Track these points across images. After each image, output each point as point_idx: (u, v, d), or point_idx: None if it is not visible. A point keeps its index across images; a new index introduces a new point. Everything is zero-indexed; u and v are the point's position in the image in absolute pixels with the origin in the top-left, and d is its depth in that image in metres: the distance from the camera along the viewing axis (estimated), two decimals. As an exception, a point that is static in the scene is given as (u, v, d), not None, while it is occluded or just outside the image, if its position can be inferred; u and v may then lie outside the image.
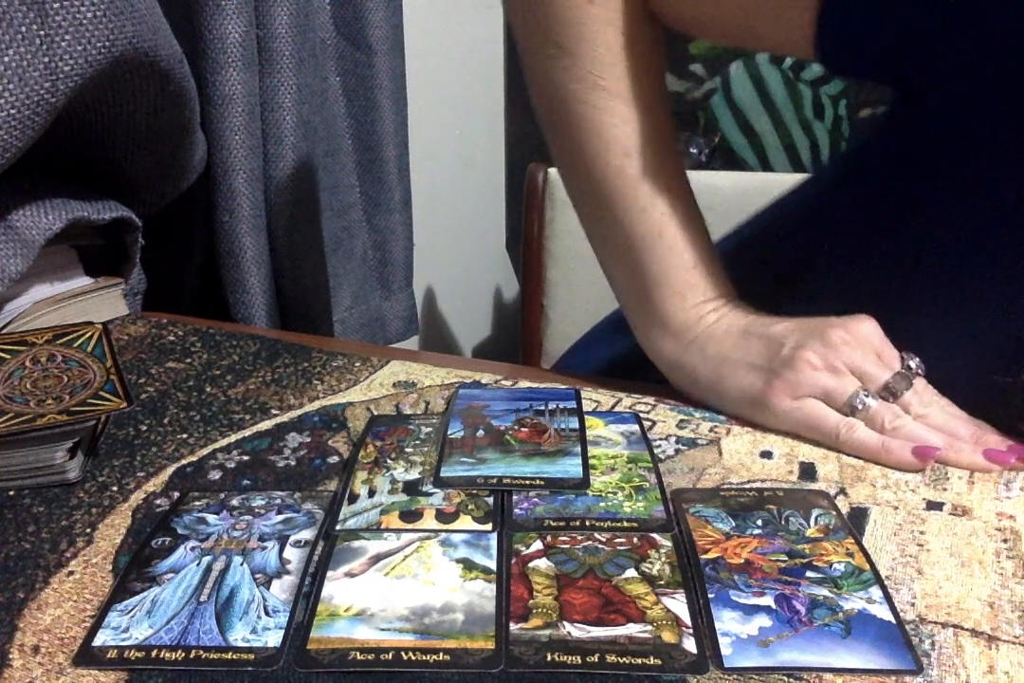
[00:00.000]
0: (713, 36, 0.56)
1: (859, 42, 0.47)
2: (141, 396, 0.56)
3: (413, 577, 0.38)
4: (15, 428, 0.47)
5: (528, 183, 1.11)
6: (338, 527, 0.41)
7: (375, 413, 0.53)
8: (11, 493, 0.46)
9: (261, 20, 0.83)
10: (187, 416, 0.53)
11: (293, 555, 0.40)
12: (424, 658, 0.33)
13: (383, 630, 0.35)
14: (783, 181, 1.06)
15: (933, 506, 0.43)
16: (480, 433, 0.49)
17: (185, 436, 0.51)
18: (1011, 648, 0.34)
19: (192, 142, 0.75)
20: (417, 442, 0.49)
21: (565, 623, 0.35)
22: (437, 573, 0.38)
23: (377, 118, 1.02)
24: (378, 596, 0.37)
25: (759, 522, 0.42)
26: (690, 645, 0.34)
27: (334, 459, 0.48)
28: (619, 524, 0.41)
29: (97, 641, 0.35)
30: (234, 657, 0.34)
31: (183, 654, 0.34)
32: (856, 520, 0.42)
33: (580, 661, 0.33)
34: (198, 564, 0.39)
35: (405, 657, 0.33)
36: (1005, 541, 0.41)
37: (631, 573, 0.38)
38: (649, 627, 0.35)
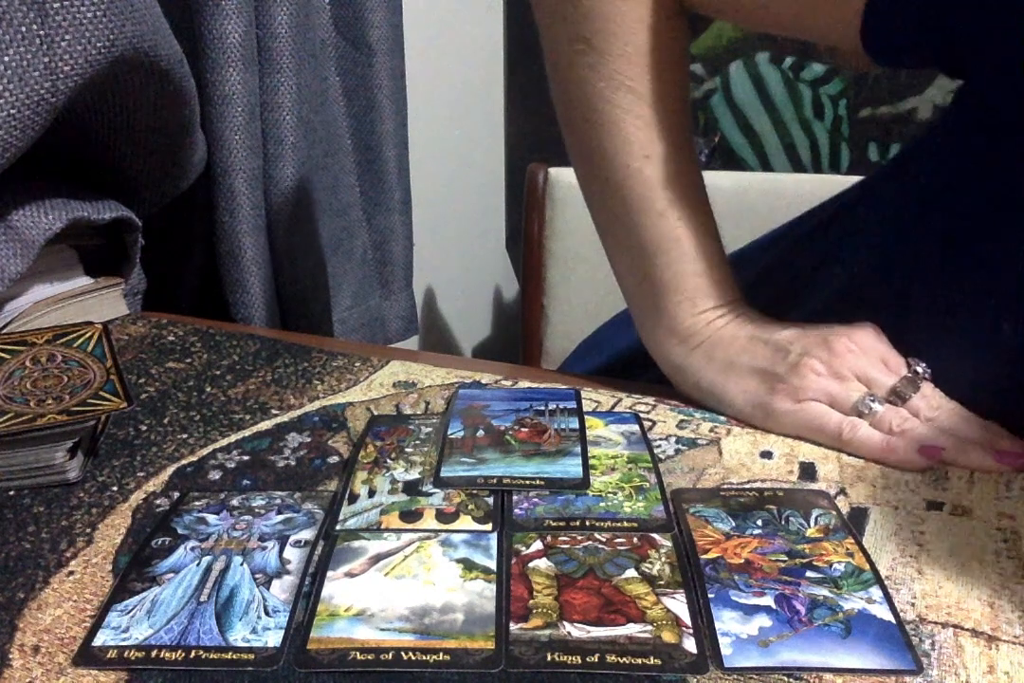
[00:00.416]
0: (753, 24, 0.55)
1: (909, 30, 0.46)
2: (141, 396, 0.56)
3: (413, 577, 0.38)
4: (15, 428, 0.47)
5: (528, 183, 1.11)
6: (338, 527, 0.41)
7: (375, 413, 0.53)
8: (11, 493, 0.46)
9: (261, 20, 0.83)
10: (187, 416, 0.53)
11: (293, 555, 0.40)
12: (424, 658, 0.33)
13: (383, 630, 0.35)
14: (783, 181, 1.06)
15: (933, 506, 0.43)
16: (480, 433, 0.49)
17: (185, 436, 0.51)
18: (1011, 648, 0.34)
19: (192, 142, 0.75)
20: (417, 442, 0.49)
21: (565, 623, 0.35)
22: (437, 573, 0.38)
23: (377, 118, 1.02)
24: (378, 596, 0.37)
25: (759, 522, 0.42)
26: (690, 645, 0.34)
27: (334, 459, 0.48)
28: (619, 524, 0.41)
29: (97, 641, 0.35)
30: (234, 657, 0.34)
31: (183, 654, 0.34)
32: (856, 520, 0.42)
33: (580, 661, 0.33)
34: (198, 564, 0.39)
35: (405, 657, 0.33)
36: (1005, 541, 0.41)
37: (631, 573, 0.38)
38: (649, 627, 0.35)
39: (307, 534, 0.41)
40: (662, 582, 0.37)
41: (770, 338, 0.51)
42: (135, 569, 0.39)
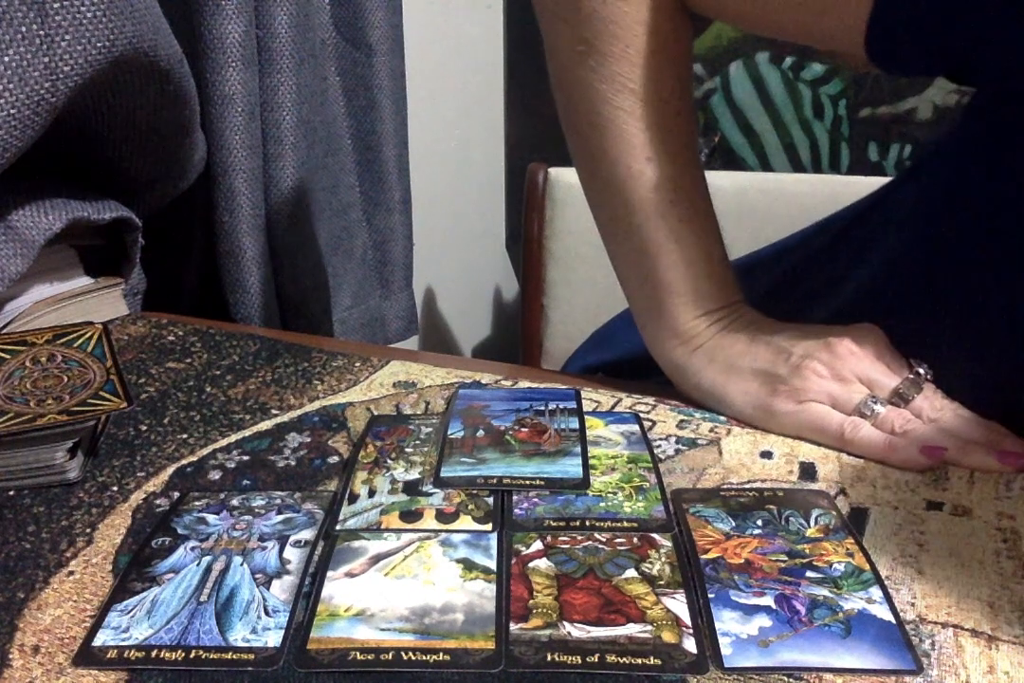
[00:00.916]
0: (756, 28, 0.54)
1: (914, 37, 0.45)
2: (141, 396, 0.56)
3: (413, 577, 0.38)
4: (15, 428, 0.47)
5: (528, 183, 1.11)
6: (338, 527, 0.41)
7: (375, 413, 0.53)
8: (11, 493, 0.46)
9: (261, 20, 0.83)
10: (187, 416, 0.53)
11: (293, 555, 0.40)
12: (424, 658, 0.33)
13: (383, 630, 0.35)
14: (783, 181, 1.06)
15: (933, 506, 0.43)
16: (480, 433, 0.49)
17: (185, 436, 0.51)
18: (1011, 648, 0.34)
19: (192, 142, 0.75)
20: (417, 442, 0.49)
21: (565, 623, 0.35)
22: (437, 573, 0.38)
23: (377, 118, 1.02)
24: (378, 596, 0.37)
25: (759, 522, 0.42)
26: (690, 645, 0.34)
27: (334, 459, 0.48)
28: (619, 524, 0.41)
29: (97, 641, 0.35)
30: (234, 657, 0.34)
31: (183, 654, 0.34)
32: (856, 520, 0.42)
33: (580, 661, 0.33)
34: (198, 564, 0.39)
35: (405, 657, 0.33)
36: (1005, 541, 0.41)
37: (631, 573, 0.38)
38: (649, 627, 0.35)
39: (307, 534, 0.41)
40: (662, 582, 0.37)
41: (772, 340, 0.51)
42: (135, 569, 0.39)
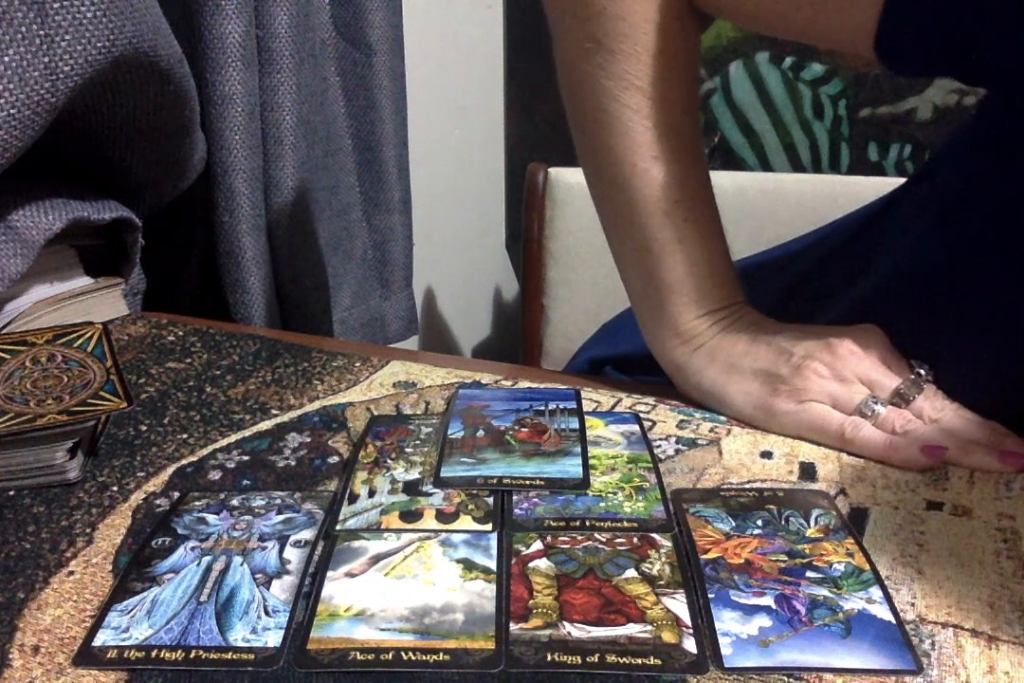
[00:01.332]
0: (763, 28, 0.54)
1: (924, 37, 0.45)
2: (141, 396, 0.56)
3: (413, 577, 0.38)
4: (15, 428, 0.47)
5: (528, 183, 1.11)
6: (338, 527, 0.41)
7: (375, 413, 0.53)
8: (11, 493, 0.46)
9: (261, 20, 0.83)
10: (187, 416, 0.53)
11: (293, 555, 0.40)
12: (424, 658, 0.33)
13: (383, 630, 0.35)
14: (783, 181, 1.06)
15: (933, 506, 0.43)
16: (480, 433, 0.49)
17: (185, 436, 0.51)
18: (1011, 648, 0.34)
19: (192, 142, 0.75)
20: (417, 442, 0.49)
21: (565, 623, 0.35)
22: (437, 573, 0.38)
23: (377, 118, 1.02)
24: (378, 596, 0.37)
25: (759, 522, 0.42)
26: (690, 645, 0.34)
27: (334, 459, 0.48)
28: (619, 524, 0.41)
29: (97, 641, 0.35)
30: (234, 657, 0.34)
31: (183, 654, 0.34)
32: (856, 520, 0.42)
33: (580, 661, 0.33)
34: (198, 564, 0.39)
35: (405, 657, 0.33)
36: (1005, 541, 0.41)
37: (631, 573, 0.38)
38: (649, 627, 0.35)
39: (307, 534, 0.41)
40: (662, 582, 0.37)
41: (773, 340, 0.51)
42: (135, 569, 0.39)
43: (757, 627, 0.35)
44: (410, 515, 0.42)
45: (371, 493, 0.44)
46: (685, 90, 0.52)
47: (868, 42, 0.46)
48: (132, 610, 0.36)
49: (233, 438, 0.51)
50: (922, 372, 0.49)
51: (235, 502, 0.44)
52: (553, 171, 1.09)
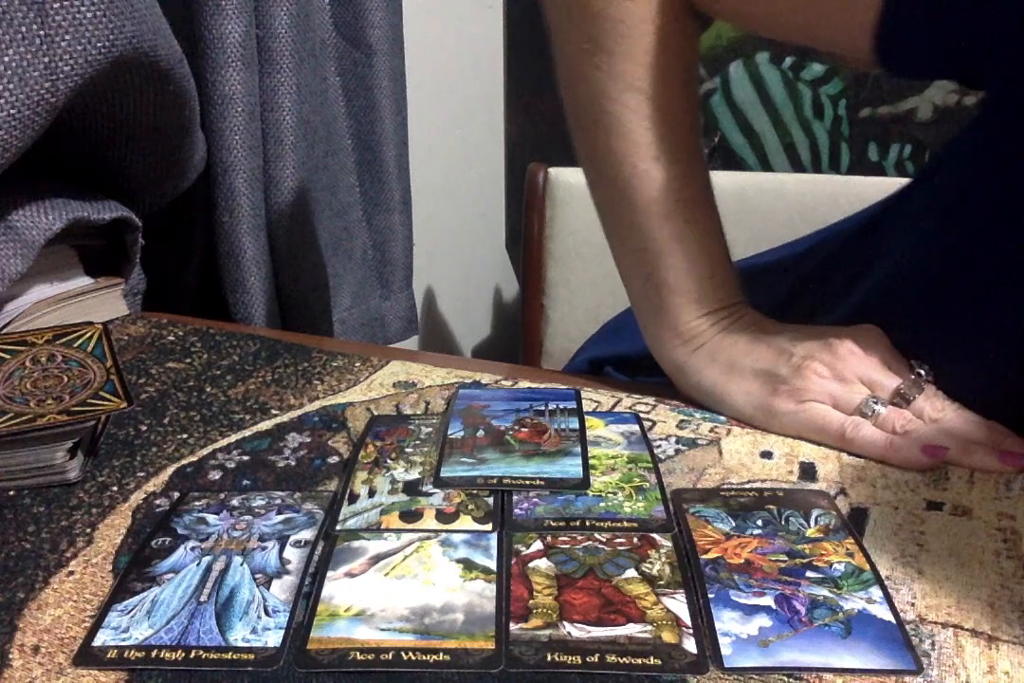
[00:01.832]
0: (762, 30, 0.54)
1: (923, 43, 0.45)
2: (141, 396, 0.56)
3: (413, 577, 0.38)
4: (15, 428, 0.47)
5: (528, 183, 1.11)
6: (338, 527, 0.41)
7: (375, 413, 0.53)
8: (11, 493, 0.46)
9: (261, 20, 0.83)
10: (187, 416, 0.53)
11: (293, 555, 0.40)
12: (424, 658, 0.33)
13: (383, 630, 0.35)
14: (783, 181, 1.06)
15: (933, 506, 0.43)
16: (480, 433, 0.49)
17: (185, 436, 0.51)
18: (1011, 648, 0.34)
19: (192, 142, 0.75)
20: (417, 442, 0.49)
21: (565, 623, 0.35)
22: (437, 573, 0.38)
23: (377, 118, 1.02)
24: (378, 596, 0.37)
25: (759, 522, 0.42)
26: (690, 645, 0.34)
27: (334, 459, 0.48)
28: (619, 524, 0.41)
29: (97, 641, 0.35)
30: (234, 657, 0.34)
31: (183, 654, 0.34)
32: (856, 520, 0.42)
33: (580, 661, 0.33)
34: (198, 564, 0.39)
35: (405, 657, 0.33)
36: (1005, 541, 0.41)
37: (631, 573, 0.38)
38: (649, 627, 0.35)
39: (307, 534, 0.41)
40: (662, 582, 0.37)
41: (773, 341, 0.51)
42: (135, 569, 0.39)
43: (757, 627, 0.35)
44: (410, 515, 0.42)
45: (371, 493, 0.44)
46: (685, 91, 0.52)
47: (867, 45, 0.46)
48: (132, 610, 0.36)
49: (233, 438, 0.51)
50: (922, 372, 0.49)
51: (235, 502, 0.44)
52: (553, 171, 1.09)
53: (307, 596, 0.37)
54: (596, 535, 0.40)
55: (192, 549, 0.40)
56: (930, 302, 0.51)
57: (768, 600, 0.36)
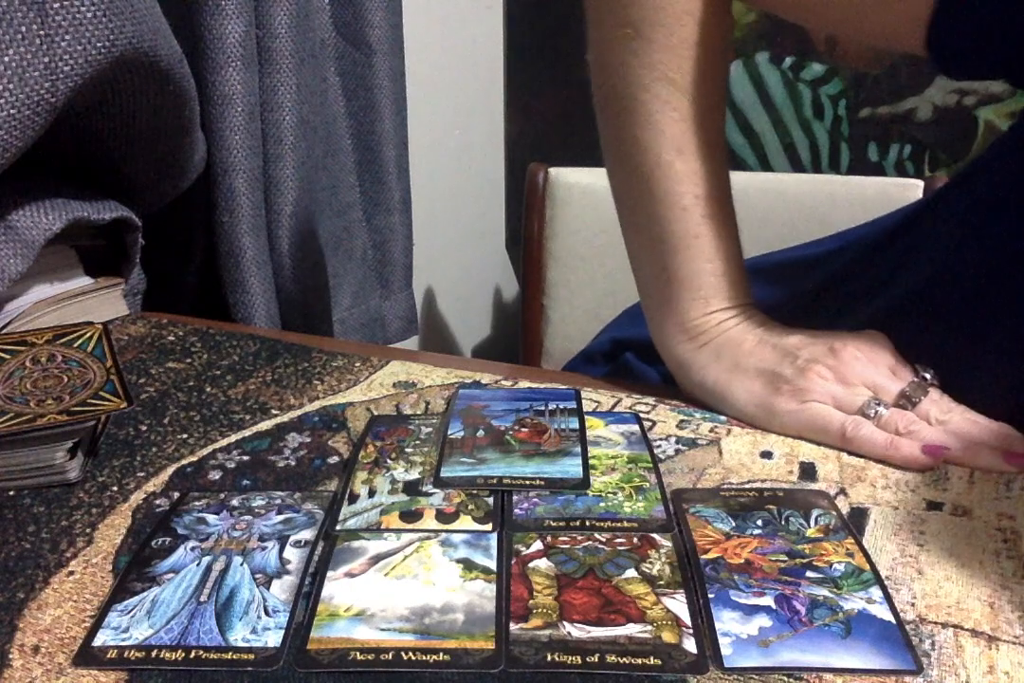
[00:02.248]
0: (811, 22, 0.54)
1: (978, 40, 0.45)
2: (141, 396, 0.56)
3: (413, 577, 0.38)
4: (15, 428, 0.47)
5: (528, 183, 1.11)
6: (338, 527, 0.41)
7: (375, 413, 0.53)
8: (11, 493, 0.46)
9: (261, 20, 0.83)
10: (187, 416, 0.53)
11: (293, 555, 0.40)
12: (424, 658, 0.33)
13: (383, 630, 0.35)
14: (783, 181, 1.06)
15: (933, 506, 0.43)
16: (480, 433, 0.49)
17: (185, 436, 0.51)
18: (1011, 648, 0.34)
19: (192, 142, 0.75)
20: (417, 442, 0.49)
21: (565, 623, 0.35)
22: (437, 573, 0.38)
23: (377, 118, 1.02)
24: (378, 596, 0.37)
25: (759, 522, 0.42)
26: (690, 645, 0.34)
27: (334, 459, 0.48)
28: (619, 524, 0.41)
29: (97, 641, 0.35)
30: (234, 657, 0.34)
31: (183, 654, 0.34)
32: (856, 520, 0.42)
33: (580, 661, 0.33)
34: (198, 564, 0.39)
35: (405, 657, 0.33)
36: (1005, 541, 0.41)
37: (631, 573, 0.38)
38: (649, 627, 0.35)
39: (307, 534, 0.41)
40: (662, 582, 0.37)
41: (778, 342, 0.51)
42: (135, 569, 0.39)
43: (757, 627, 0.35)
44: (410, 515, 0.42)
45: (371, 493, 0.44)
46: (716, 85, 0.52)
47: (920, 40, 0.45)
48: (132, 610, 0.36)
49: (233, 438, 0.51)
50: (927, 376, 0.49)
51: (235, 502, 0.44)
52: (553, 171, 1.09)
53: (307, 596, 0.37)
54: (596, 535, 0.40)
55: (192, 549, 0.40)
56: (961, 310, 0.51)
57: (768, 600, 0.36)
